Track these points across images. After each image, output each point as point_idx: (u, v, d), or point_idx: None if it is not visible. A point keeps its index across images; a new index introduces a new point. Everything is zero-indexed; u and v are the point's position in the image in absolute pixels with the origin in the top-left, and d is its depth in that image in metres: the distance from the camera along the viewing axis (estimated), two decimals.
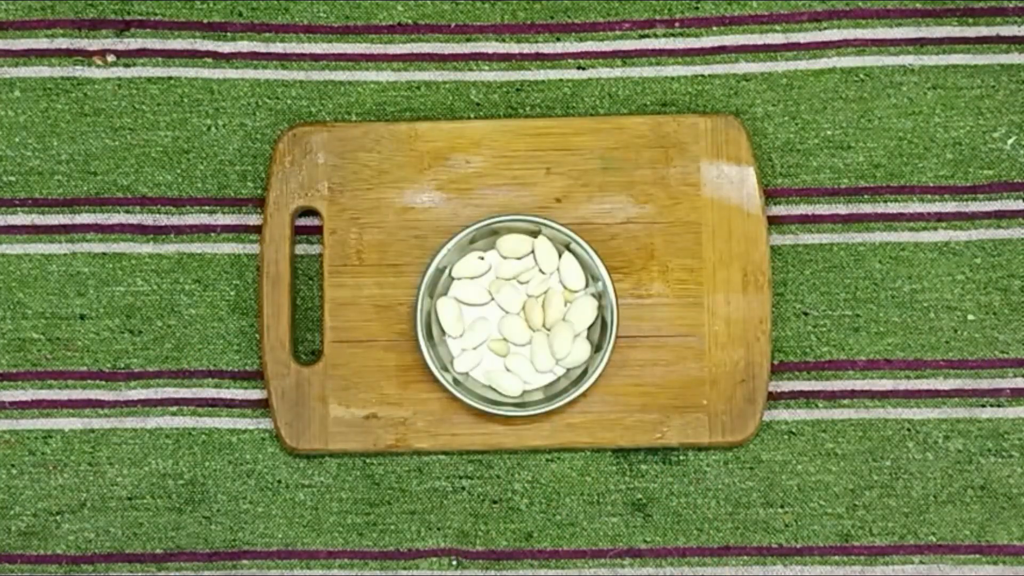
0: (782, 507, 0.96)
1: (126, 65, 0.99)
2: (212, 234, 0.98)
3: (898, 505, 0.95)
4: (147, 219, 0.98)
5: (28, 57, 0.99)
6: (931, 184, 0.97)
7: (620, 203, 0.95)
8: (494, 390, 0.93)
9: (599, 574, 0.95)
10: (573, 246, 0.93)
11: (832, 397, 0.96)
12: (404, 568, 0.96)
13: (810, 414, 0.96)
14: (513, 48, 0.99)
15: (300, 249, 0.98)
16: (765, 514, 0.96)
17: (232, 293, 0.97)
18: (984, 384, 0.96)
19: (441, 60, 0.99)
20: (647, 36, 0.99)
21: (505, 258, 0.94)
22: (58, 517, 0.96)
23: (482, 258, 0.94)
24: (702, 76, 0.98)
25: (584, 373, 0.92)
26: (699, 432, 0.94)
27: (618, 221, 0.95)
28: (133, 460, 0.96)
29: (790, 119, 0.98)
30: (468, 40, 0.99)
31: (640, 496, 0.95)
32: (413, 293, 0.93)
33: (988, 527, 0.95)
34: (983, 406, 0.96)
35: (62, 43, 0.99)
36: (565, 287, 0.94)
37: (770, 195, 0.97)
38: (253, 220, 0.98)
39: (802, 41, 0.98)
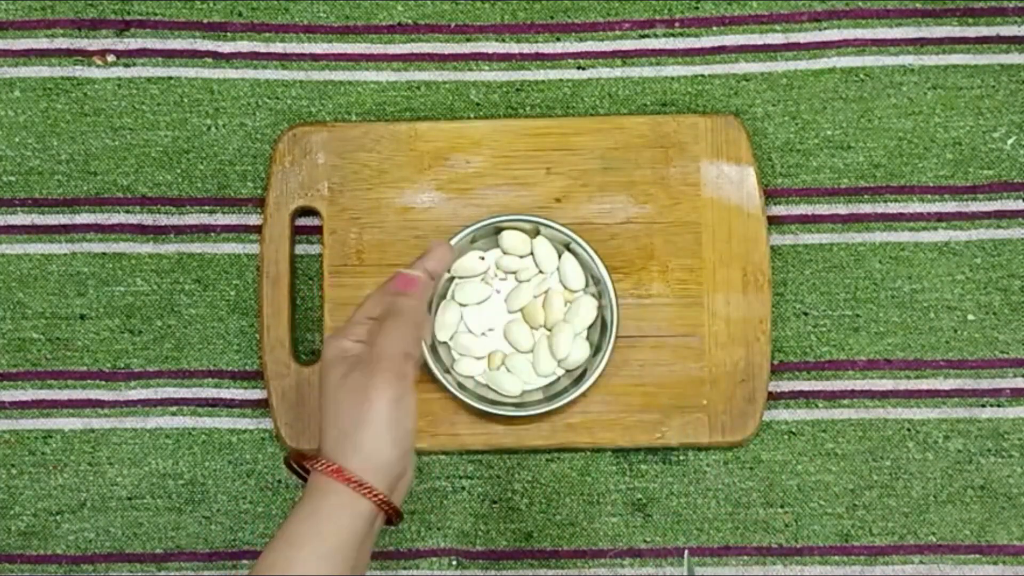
0: (782, 507, 0.96)
1: (126, 65, 0.99)
2: (212, 234, 0.98)
3: (898, 505, 0.95)
4: (147, 219, 0.98)
5: (28, 57, 0.99)
6: (931, 184, 0.97)
7: (620, 203, 0.95)
8: (494, 390, 0.93)
9: (599, 574, 0.95)
10: (573, 246, 0.93)
11: (832, 397, 0.96)
12: (404, 568, 0.95)
13: (810, 414, 0.96)
14: (513, 48, 0.99)
15: (300, 249, 0.98)
16: (765, 514, 0.96)
17: (232, 293, 0.97)
18: (984, 384, 0.96)
19: (441, 60, 0.99)
20: (647, 36, 0.99)
21: (506, 253, 0.94)
22: (58, 517, 0.96)
23: (483, 258, 0.94)
24: (702, 76, 0.98)
25: (584, 373, 0.92)
26: (699, 432, 0.94)
27: (618, 221, 0.95)
28: (133, 460, 0.96)
29: (790, 119, 0.98)
30: (468, 40, 0.99)
31: (640, 496, 0.95)
32: None
33: (988, 527, 0.95)
34: (983, 406, 0.96)
35: (62, 43, 0.99)
36: (565, 287, 0.94)
37: (770, 195, 0.97)
38: (253, 220, 0.98)
39: (802, 41, 0.98)
